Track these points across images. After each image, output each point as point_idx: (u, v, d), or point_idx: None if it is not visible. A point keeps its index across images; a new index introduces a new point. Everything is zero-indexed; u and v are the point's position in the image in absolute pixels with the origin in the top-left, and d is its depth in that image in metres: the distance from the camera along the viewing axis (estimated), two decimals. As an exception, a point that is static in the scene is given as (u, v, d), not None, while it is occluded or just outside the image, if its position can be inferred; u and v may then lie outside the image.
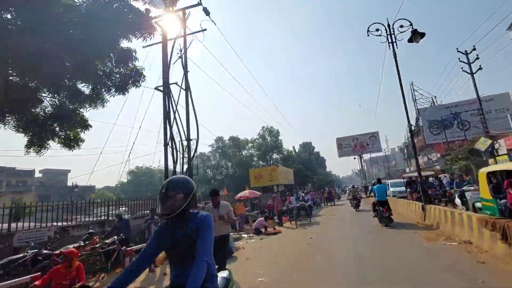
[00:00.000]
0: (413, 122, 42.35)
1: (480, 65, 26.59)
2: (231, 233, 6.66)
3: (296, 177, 43.58)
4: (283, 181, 21.21)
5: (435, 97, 38.30)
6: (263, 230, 11.64)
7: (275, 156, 49.79)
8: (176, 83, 10.33)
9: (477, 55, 18.40)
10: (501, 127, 31.84)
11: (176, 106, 9.93)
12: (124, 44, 8.62)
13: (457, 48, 18.79)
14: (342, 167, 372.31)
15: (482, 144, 17.08)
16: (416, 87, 38.47)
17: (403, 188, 17.98)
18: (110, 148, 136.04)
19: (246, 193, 17.26)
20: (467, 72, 19.11)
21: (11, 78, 7.22)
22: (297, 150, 63.75)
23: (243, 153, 49.12)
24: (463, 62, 18.93)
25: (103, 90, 8.72)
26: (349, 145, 39.07)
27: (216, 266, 2.12)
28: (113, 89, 8.79)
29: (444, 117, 37.07)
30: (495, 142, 16.87)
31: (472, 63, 19.50)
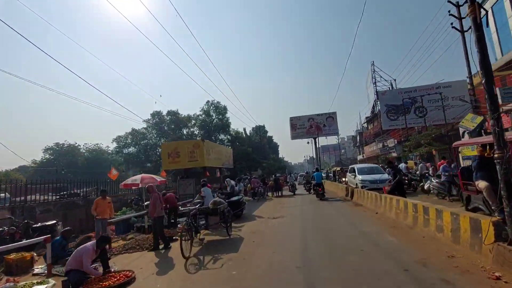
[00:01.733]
0: (371, 106, 39.67)
1: (470, 26, 23.37)
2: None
3: (245, 161, 38.09)
4: (213, 163, 15.08)
5: (395, 80, 35.55)
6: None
7: (221, 136, 43.44)
8: None
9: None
10: (457, 115, 30.30)
11: None
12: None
13: (447, -2, 14.30)
14: (294, 154, 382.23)
15: (469, 122, 13.13)
16: (377, 68, 35.26)
17: (379, 176, 13.09)
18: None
19: (136, 179, 10.79)
20: (458, 30, 14.91)
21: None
22: (248, 133, 58.34)
23: (184, 132, 41.71)
24: (454, 16, 14.63)
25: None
26: (304, 126, 34.76)
27: None
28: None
29: (404, 102, 34.67)
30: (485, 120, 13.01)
31: (463, 18, 15.42)
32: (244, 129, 54.33)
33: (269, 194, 19.96)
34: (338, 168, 22.44)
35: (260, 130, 49.57)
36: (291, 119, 34.49)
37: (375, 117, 38.66)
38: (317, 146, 33.63)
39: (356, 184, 13.68)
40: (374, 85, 34.85)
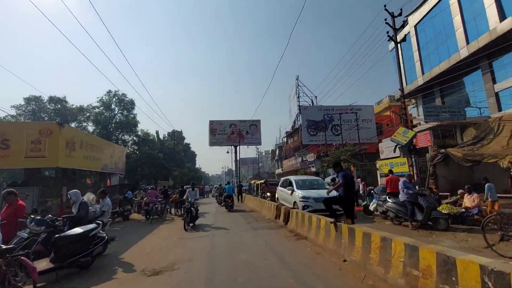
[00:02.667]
0: (293, 120, 39.59)
1: (405, 35, 24.33)
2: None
3: (151, 167, 31.71)
4: (82, 163, 9.67)
5: (316, 97, 36.36)
6: None
7: (126, 137, 35.78)
8: None
9: (404, 20, 14.50)
10: (367, 136, 32.63)
11: None
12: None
13: (384, 6, 13.54)
14: (212, 165, 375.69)
15: (401, 136, 12.13)
16: (301, 82, 35.42)
17: (324, 193, 9.02)
18: None
19: None
20: (392, 39, 14.28)
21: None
22: (162, 138, 51.29)
23: (72, 126, 32.30)
24: (389, 25, 13.94)
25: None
26: (225, 132, 31.45)
27: None
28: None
29: (321, 119, 35.56)
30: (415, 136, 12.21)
31: (399, 29, 15.04)
32: (157, 132, 47.31)
33: (172, 211, 15.31)
34: (261, 181, 19.66)
35: (174, 135, 43.69)
36: (211, 122, 30.67)
37: (296, 131, 38.67)
38: (238, 155, 30.61)
39: (294, 202, 10.10)
40: (298, 99, 34.72)
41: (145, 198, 13.84)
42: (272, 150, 65.22)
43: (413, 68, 25.85)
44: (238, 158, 31.11)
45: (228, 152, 39.64)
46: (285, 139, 48.03)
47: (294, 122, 39.33)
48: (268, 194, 14.98)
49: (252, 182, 25.59)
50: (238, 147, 29.33)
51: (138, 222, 12.29)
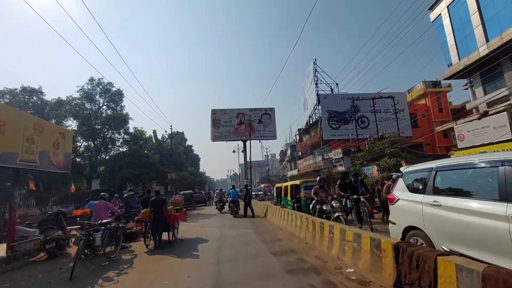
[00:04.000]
0: (309, 112, 34.07)
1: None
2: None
3: (142, 170, 26.37)
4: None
5: (337, 84, 30.86)
6: None
7: (116, 135, 30.65)
8: None
9: None
10: (400, 128, 27.06)
11: None
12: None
13: None
14: (217, 169, 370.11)
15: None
16: (319, 68, 30.03)
17: None
18: None
19: None
20: None
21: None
22: (160, 138, 46.22)
23: (53, 122, 27.27)
24: None
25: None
26: (230, 123, 26.09)
27: None
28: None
29: (345, 109, 30.02)
30: None
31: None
32: (155, 132, 42.25)
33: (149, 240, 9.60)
34: (290, 183, 13.73)
35: (172, 133, 38.39)
36: (214, 112, 25.14)
37: (313, 125, 33.15)
38: (249, 152, 24.41)
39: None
40: (316, 86, 29.30)
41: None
42: (281, 150, 59.57)
43: (470, 36, 20.21)
44: (248, 155, 25.55)
45: (234, 151, 34.24)
46: (297, 137, 42.51)
47: (311, 116, 33.83)
48: (330, 206, 8.32)
49: (277, 185, 19.18)
50: (248, 142, 23.73)
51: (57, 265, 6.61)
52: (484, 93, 19.95)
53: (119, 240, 6.89)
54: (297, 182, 11.91)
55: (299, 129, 43.20)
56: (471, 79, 21.53)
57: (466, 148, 11.99)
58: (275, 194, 17.79)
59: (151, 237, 7.11)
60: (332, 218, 6.88)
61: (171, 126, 30.95)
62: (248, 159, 24.27)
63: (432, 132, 23.49)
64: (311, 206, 8.39)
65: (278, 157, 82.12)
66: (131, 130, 31.21)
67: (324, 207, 7.36)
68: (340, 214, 6.84)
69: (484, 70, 19.50)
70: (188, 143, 65.43)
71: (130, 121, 31.58)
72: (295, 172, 38.50)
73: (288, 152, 47.76)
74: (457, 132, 13.15)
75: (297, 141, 41.79)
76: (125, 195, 12.54)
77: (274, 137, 25.85)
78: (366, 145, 21.90)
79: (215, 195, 25.05)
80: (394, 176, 6.49)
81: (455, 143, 24.28)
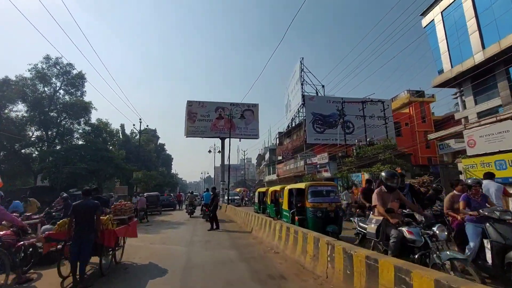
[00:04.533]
0: (292, 114, 32.31)
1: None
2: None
3: (107, 167, 22.73)
4: None
5: (323, 86, 29.49)
6: None
7: (75, 126, 26.65)
8: None
9: None
10: (380, 135, 26.16)
11: None
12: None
13: None
14: (191, 171, 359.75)
15: None
16: (305, 68, 28.47)
17: None
18: None
19: None
20: None
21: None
22: (129, 134, 42.17)
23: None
24: None
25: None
26: (208, 118, 23.33)
27: None
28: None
29: (331, 113, 28.65)
30: None
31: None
32: (122, 126, 38.31)
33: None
34: (276, 188, 11.44)
35: (143, 129, 34.80)
36: (190, 103, 22.09)
37: (296, 128, 31.45)
38: (227, 151, 21.38)
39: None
40: (302, 86, 27.64)
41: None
42: (259, 154, 57.55)
43: (465, 42, 19.57)
44: (227, 155, 22.83)
45: (210, 151, 31.50)
46: (277, 140, 40.71)
47: (294, 118, 32.14)
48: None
49: (260, 189, 16.23)
50: (227, 140, 20.88)
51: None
52: (475, 103, 19.34)
53: (16, 265, 4.17)
54: (301, 185, 9.14)
55: (279, 133, 41.46)
56: (461, 89, 20.87)
57: (478, 155, 10.57)
58: (256, 200, 15.48)
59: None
60: (418, 255, 3.68)
61: (140, 119, 27.63)
62: (226, 160, 21.79)
63: (418, 141, 22.61)
64: (362, 226, 5.56)
65: (254, 161, 79.92)
66: (94, 121, 27.39)
67: (408, 235, 3.80)
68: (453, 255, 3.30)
69: (476, 79, 18.69)
70: (160, 141, 61.36)
71: (93, 111, 27.77)
72: (273, 176, 36.52)
73: (267, 156, 45.80)
74: (467, 137, 11.76)
75: (277, 144, 39.96)
76: (64, 195, 9.52)
77: (256, 136, 23.46)
78: (354, 150, 20.43)
79: (186, 198, 22.93)
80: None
81: (441, 153, 23.72)
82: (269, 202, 12.28)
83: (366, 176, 17.64)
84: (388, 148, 16.64)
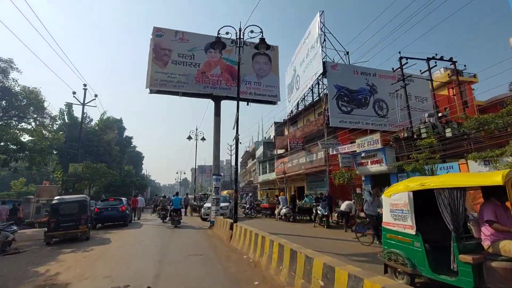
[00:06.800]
0: (305, 87, 24.45)
1: None
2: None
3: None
4: None
5: (347, 53, 22.10)
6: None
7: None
8: None
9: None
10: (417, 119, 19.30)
11: None
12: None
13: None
14: (165, 173, 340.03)
15: None
16: (327, 30, 20.92)
17: None
18: None
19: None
20: None
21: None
22: (77, 118, 32.13)
23: None
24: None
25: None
26: (192, 61, 14.07)
27: None
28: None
29: (359, 88, 21.30)
30: None
31: None
32: (69, 105, 28.37)
33: None
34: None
35: (86, 97, 24.76)
36: (159, 31, 11.49)
37: (309, 109, 23.76)
38: (234, 124, 11.80)
39: None
40: (322, 48, 19.94)
41: None
42: (246, 151, 49.20)
43: None
44: (227, 126, 13.94)
45: (190, 138, 22.56)
46: (274, 132, 32.82)
47: (304, 97, 24.40)
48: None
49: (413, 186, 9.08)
50: (228, 102, 11.91)
51: None
52: None
53: None
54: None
55: (275, 122, 33.64)
56: None
57: None
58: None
59: None
60: None
61: (84, 85, 18.34)
62: (217, 131, 12.78)
63: None
64: None
65: (233, 162, 71.22)
66: (12, 84, 17.79)
67: None
68: None
69: None
70: (127, 134, 50.84)
71: (13, 72, 18.21)
72: (270, 176, 28.45)
73: (259, 151, 37.70)
74: None
75: (274, 136, 32.03)
76: None
77: (275, 98, 14.17)
78: (422, 129, 12.99)
79: (158, 202, 19.04)
80: None
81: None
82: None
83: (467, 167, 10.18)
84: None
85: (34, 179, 26.84)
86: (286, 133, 29.24)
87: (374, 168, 14.05)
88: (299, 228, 12.19)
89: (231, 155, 38.99)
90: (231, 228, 8.28)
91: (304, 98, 24.64)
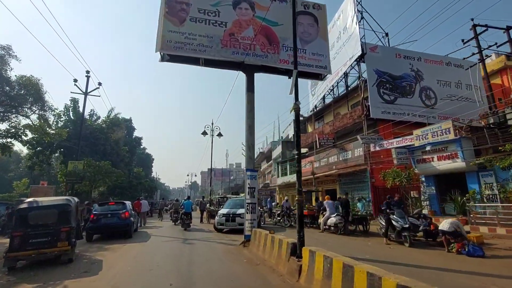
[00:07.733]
0: (336, 74, 21.53)
1: None
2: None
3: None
4: None
5: (387, 35, 19.19)
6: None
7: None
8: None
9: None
10: (471, 113, 16.05)
11: None
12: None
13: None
14: (175, 177, 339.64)
15: None
16: (363, 9, 18.11)
17: None
18: None
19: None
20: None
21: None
22: (96, 116, 30.15)
23: None
24: None
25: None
26: (217, 19, 10.45)
27: None
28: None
29: (403, 74, 18.31)
30: None
31: None
32: (74, 101, 26.39)
33: None
34: None
35: (88, 85, 22.80)
36: None
37: (341, 101, 20.89)
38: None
39: None
40: (359, 26, 17.11)
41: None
42: (260, 152, 46.42)
43: None
44: (294, 84, 11.71)
45: (205, 133, 19.91)
46: (292, 131, 29.98)
47: (333, 88, 21.55)
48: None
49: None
50: (259, 76, 9.09)
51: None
52: None
53: None
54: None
55: (289, 121, 30.74)
56: None
57: None
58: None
59: None
60: None
61: (87, 72, 16.07)
62: (296, 102, 9.75)
63: None
64: None
65: (243, 166, 68.50)
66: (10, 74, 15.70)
67: None
68: None
69: None
70: (137, 135, 48.95)
71: (13, 61, 16.18)
72: (290, 178, 25.44)
73: (276, 152, 34.89)
74: None
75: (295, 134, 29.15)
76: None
77: (325, 70, 11.08)
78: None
79: (171, 205, 19.31)
80: None
81: None
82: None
83: None
84: None
85: (38, 180, 24.85)
86: (310, 130, 26.35)
87: (443, 165, 10.99)
88: (361, 244, 8.64)
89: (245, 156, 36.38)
90: (294, 254, 5.07)
91: (332, 89, 21.76)
